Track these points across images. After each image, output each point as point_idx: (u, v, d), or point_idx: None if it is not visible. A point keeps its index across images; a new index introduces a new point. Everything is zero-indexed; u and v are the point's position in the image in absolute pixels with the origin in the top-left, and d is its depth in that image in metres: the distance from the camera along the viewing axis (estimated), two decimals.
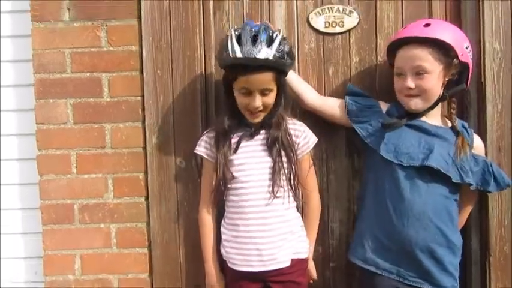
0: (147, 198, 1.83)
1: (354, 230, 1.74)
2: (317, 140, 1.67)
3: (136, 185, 1.82)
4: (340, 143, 1.84)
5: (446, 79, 1.60)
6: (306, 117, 1.77)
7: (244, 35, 1.48)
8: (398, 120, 1.62)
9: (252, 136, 1.61)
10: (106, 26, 1.79)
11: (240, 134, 1.61)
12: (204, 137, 1.66)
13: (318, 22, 1.82)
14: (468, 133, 1.66)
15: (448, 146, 1.61)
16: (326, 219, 1.84)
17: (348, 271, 1.84)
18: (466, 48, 1.59)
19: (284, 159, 1.59)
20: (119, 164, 1.81)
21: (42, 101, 1.81)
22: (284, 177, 1.59)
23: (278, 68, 1.52)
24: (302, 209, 1.71)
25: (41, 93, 1.81)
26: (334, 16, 1.81)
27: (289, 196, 1.62)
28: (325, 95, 1.81)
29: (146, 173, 1.82)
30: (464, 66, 1.60)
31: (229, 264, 1.62)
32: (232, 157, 1.60)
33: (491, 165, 1.63)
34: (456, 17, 1.79)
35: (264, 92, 1.53)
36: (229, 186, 1.59)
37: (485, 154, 1.72)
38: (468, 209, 1.73)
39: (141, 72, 1.80)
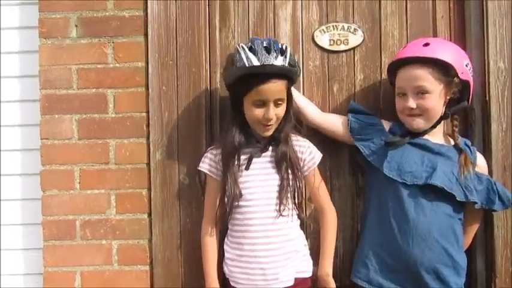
0: (149, 214, 1.81)
1: (357, 248, 1.72)
2: (322, 155, 1.66)
3: (139, 201, 1.81)
4: (344, 160, 1.84)
5: (448, 97, 1.60)
6: (309, 134, 1.77)
7: (257, 46, 1.50)
8: (401, 139, 1.62)
9: (261, 152, 1.61)
10: (113, 42, 1.81)
11: (248, 150, 1.60)
12: (208, 154, 1.66)
13: (323, 40, 1.83)
14: (471, 151, 1.66)
15: (452, 165, 1.60)
16: None
17: None
18: (466, 66, 1.59)
19: (290, 176, 1.59)
20: (123, 180, 1.81)
21: (47, 117, 1.82)
22: (289, 195, 1.58)
23: (292, 75, 1.54)
24: (318, 223, 1.69)
25: (46, 108, 1.82)
26: (339, 34, 1.83)
27: (293, 214, 1.61)
28: (329, 112, 1.81)
29: (149, 189, 1.81)
30: (465, 84, 1.60)
31: (232, 283, 1.60)
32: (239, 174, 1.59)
33: (495, 184, 1.63)
34: (461, 36, 1.81)
35: (277, 103, 1.53)
36: (235, 204, 1.58)
37: (490, 173, 1.71)
38: (474, 229, 1.71)
39: (147, 88, 1.81)
